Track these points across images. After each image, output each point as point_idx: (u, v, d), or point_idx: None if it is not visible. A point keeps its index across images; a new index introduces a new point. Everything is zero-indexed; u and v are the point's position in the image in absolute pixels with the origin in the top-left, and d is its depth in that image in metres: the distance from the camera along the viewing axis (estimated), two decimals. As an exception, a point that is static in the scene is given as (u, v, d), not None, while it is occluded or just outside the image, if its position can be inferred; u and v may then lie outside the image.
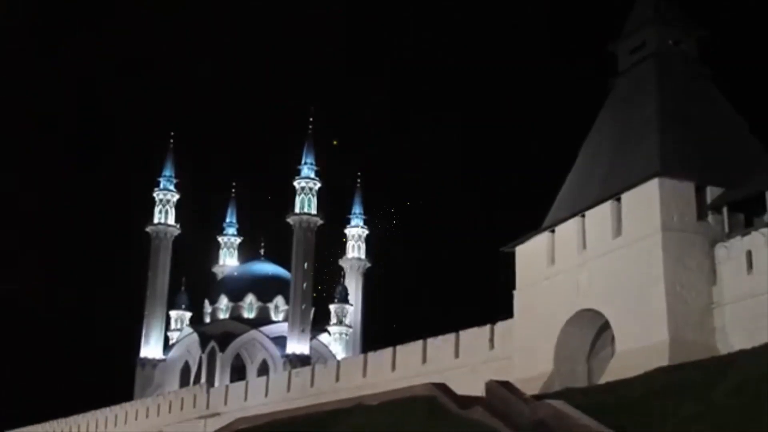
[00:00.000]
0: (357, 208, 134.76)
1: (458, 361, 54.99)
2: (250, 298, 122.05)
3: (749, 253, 40.97)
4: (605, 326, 45.14)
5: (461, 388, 43.40)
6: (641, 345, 40.98)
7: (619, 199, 44.06)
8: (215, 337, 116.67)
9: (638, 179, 43.02)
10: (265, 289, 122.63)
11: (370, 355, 63.33)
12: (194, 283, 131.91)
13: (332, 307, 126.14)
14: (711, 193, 43.06)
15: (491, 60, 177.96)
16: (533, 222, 50.37)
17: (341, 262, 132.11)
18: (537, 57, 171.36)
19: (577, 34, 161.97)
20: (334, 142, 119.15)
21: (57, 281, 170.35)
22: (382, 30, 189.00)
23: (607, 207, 44.55)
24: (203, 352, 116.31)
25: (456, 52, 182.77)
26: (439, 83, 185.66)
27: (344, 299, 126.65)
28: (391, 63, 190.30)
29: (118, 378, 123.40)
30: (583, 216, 46.12)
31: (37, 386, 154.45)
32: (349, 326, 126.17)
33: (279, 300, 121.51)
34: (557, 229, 47.91)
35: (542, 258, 48.53)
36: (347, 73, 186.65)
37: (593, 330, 46.55)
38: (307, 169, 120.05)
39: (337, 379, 64.18)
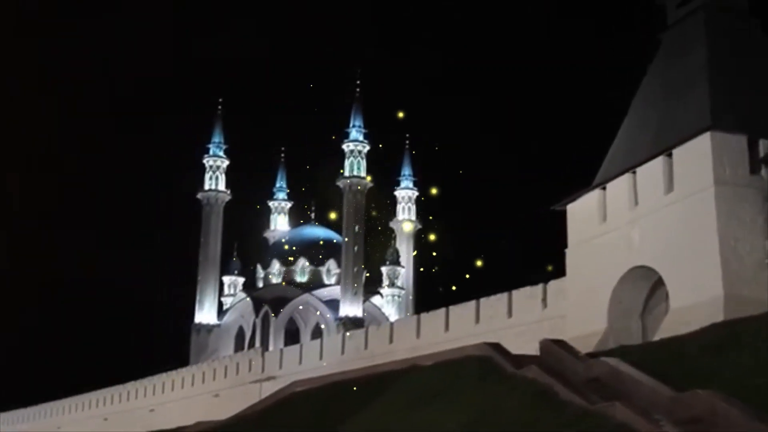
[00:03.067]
0: (406, 170, 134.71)
1: (511, 321, 54.92)
2: (302, 262, 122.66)
3: (803, 206, 40.59)
4: (659, 283, 44.86)
5: (515, 348, 43.45)
6: (695, 301, 40.70)
7: (670, 155, 43.65)
8: (268, 302, 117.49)
9: (689, 134, 42.59)
10: (317, 252, 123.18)
11: (423, 316, 63.36)
12: (246, 248, 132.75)
13: (384, 270, 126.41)
14: (763, 146, 42.50)
15: (539, 15, 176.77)
16: (584, 180, 50.09)
17: (392, 224, 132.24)
18: (586, 11, 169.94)
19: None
20: (400, 114, 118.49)
21: (111, 249, 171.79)
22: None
23: (658, 162, 44.16)
24: (257, 316, 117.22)
25: (503, 8, 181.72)
26: (486, 39, 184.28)
27: (396, 261, 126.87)
28: (438, 24, 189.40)
29: (173, 344, 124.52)
30: (634, 172, 45.76)
31: (94, 354, 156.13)
32: (402, 288, 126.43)
33: (331, 263, 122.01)
34: (608, 186, 47.58)
35: (594, 216, 48.25)
36: (395, 36, 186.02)
37: (647, 287, 46.30)
38: (356, 132, 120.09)
39: (391, 340, 64.31)
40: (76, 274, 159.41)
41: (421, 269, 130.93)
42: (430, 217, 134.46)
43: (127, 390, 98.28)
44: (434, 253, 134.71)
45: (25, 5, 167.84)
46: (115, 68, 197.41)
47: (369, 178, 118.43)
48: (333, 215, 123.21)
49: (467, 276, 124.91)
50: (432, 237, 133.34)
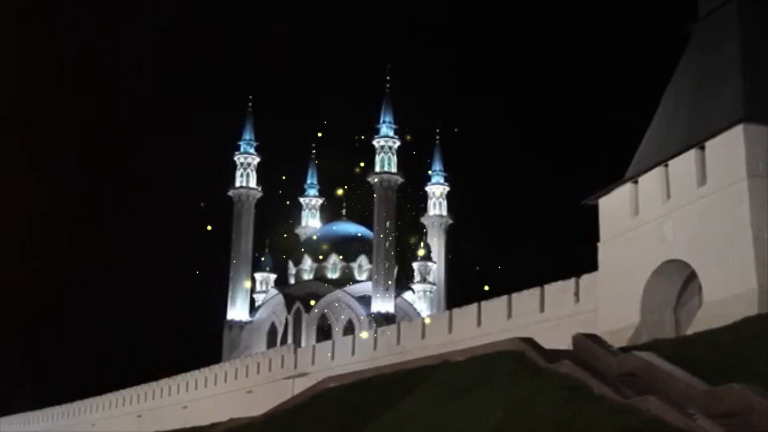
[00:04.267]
0: (437, 165, 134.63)
1: (543, 316, 54.83)
2: (333, 259, 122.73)
3: (837, 198, 40.23)
4: (692, 276, 44.64)
5: (547, 342, 43.32)
6: (729, 294, 40.45)
7: (703, 147, 43.38)
8: (300, 298, 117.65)
9: (722, 126, 42.32)
10: (348, 248, 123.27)
11: (455, 311, 63.32)
12: (278, 245, 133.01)
13: (415, 265, 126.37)
14: (797, 138, 42.20)
15: (571, 7, 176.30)
16: (616, 173, 49.87)
17: (423, 220, 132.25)
18: (616, 3, 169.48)
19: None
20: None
21: (143, 247, 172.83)
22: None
23: (690, 155, 43.90)
24: (289, 313, 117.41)
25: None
26: (515, 33, 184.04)
27: (427, 257, 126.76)
28: (467, 18, 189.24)
29: (206, 341, 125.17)
30: (667, 165, 45.52)
31: (127, 351, 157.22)
32: (433, 283, 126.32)
33: (362, 259, 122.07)
34: (640, 179, 47.36)
35: (626, 209, 48.03)
36: (424, 31, 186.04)
37: (680, 280, 46.07)
38: (386, 128, 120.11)
39: (423, 336, 64.31)
40: (110, 273, 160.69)
41: (454, 265, 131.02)
42: (461, 212, 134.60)
43: (160, 387, 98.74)
44: (465, 248, 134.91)
45: (59, 4, 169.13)
46: (146, 66, 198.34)
47: (400, 174, 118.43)
48: (364, 211, 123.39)
49: (499, 270, 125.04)
50: (463, 232, 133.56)
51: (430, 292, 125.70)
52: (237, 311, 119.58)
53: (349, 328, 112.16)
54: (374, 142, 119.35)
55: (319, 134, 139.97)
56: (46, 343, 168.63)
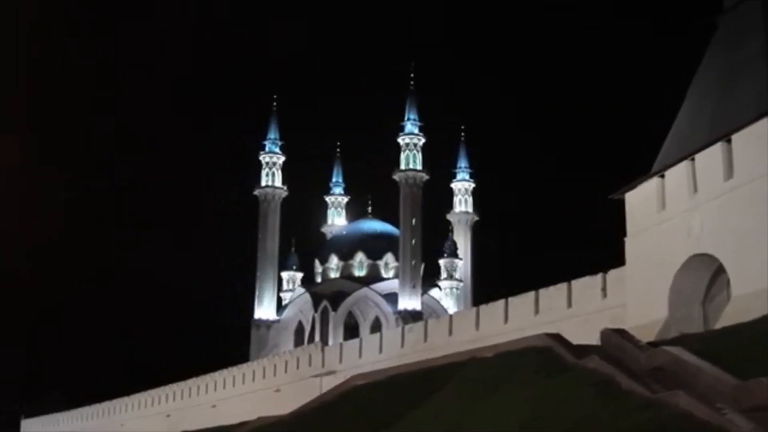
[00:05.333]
0: (462, 162, 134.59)
1: (571, 311, 54.71)
2: (359, 257, 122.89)
3: None
4: (720, 270, 44.44)
5: (575, 338, 43.23)
6: (757, 288, 40.20)
7: (729, 141, 43.18)
8: (327, 297, 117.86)
9: (748, 119, 42.09)
10: (375, 246, 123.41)
11: (482, 307, 63.29)
12: (304, 243, 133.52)
13: (442, 262, 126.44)
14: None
15: (596, 7, 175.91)
16: (642, 168, 49.72)
17: (449, 217, 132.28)
18: None
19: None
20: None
21: (171, 248, 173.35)
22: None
23: (717, 149, 43.70)
24: (316, 311, 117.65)
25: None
26: (540, 26, 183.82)
27: (453, 253, 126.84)
28: (491, 13, 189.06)
29: (233, 340, 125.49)
30: (693, 159, 45.34)
31: (156, 352, 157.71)
32: (460, 280, 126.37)
33: (389, 257, 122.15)
34: (667, 173, 47.19)
35: (653, 204, 47.86)
36: (447, 28, 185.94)
37: (708, 274, 45.86)
38: (411, 125, 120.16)
39: (450, 333, 64.29)
40: (139, 274, 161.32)
41: (480, 261, 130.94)
42: (487, 209, 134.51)
43: (189, 387, 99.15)
44: (492, 245, 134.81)
45: (85, 8, 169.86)
46: (171, 68, 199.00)
47: (425, 171, 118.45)
48: (390, 209, 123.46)
49: (525, 266, 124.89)
50: (489, 229, 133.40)
51: (457, 288, 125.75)
52: (264, 310, 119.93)
53: (376, 326, 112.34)
54: (399, 140, 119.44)
55: (344, 132, 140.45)
56: (76, 344, 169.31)
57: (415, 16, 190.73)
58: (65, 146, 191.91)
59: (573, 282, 55.40)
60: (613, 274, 52.30)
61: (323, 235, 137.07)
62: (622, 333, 40.48)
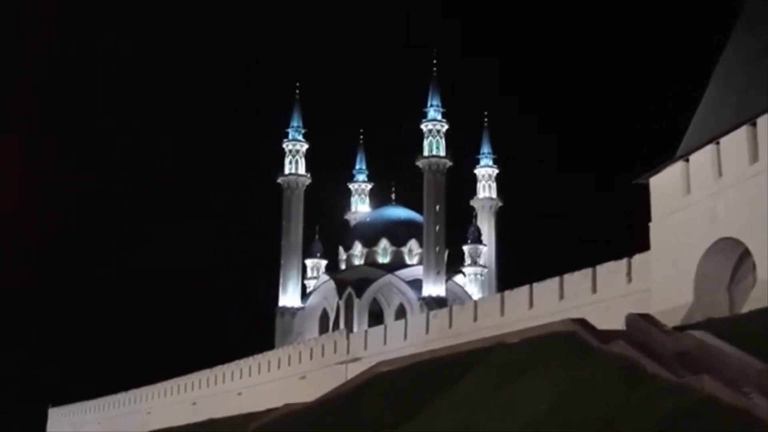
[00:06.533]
0: (486, 148, 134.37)
1: (596, 296, 54.56)
2: (383, 243, 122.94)
3: None
4: (745, 254, 44.24)
5: (600, 323, 43.18)
6: (784, 271, 40.09)
7: (754, 124, 42.94)
8: (351, 284, 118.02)
9: (773, 102, 41.85)
10: (398, 233, 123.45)
11: (507, 293, 63.19)
12: (328, 231, 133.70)
13: (466, 248, 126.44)
14: None
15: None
16: (666, 152, 49.51)
17: (472, 203, 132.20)
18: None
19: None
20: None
21: (196, 237, 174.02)
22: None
23: (742, 132, 43.45)
24: (340, 298, 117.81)
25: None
26: (562, 12, 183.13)
27: (477, 240, 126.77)
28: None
29: (258, 328, 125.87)
30: (718, 143, 45.10)
31: (182, 340, 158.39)
32: (484, 266, 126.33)
33: (413, 243, 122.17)
34: (691, 157, 46.96)
35: (677, 188, 47.64)
36: (470, 14, 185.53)
37: (733, 259, 45.64)
38: (434, 112, 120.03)
39: (475, 319, 64.25)
40: (164, 264, 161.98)
41: (504, 247, 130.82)
42: (511, 195, 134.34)
43: (214, 374, 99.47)
44: (516, 230, 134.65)
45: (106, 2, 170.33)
46: (192, 55, 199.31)
47: (448, 157, 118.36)
48: (413, 195, 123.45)
49: (550, 252, 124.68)
50: (513, 214, 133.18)
51: (481, 275, 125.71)
52: (289, 297, 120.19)
53: (401, 313, 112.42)
54: (422, 126, 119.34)
55: (367, 119, 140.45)
56: (103, 334, 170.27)
57: (438, 3, 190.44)
58: (84, 142, 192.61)
59: (598, 267, 55.24)
60: (638, 258, 52.12)
61: (347, 222, 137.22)
62: (647, 318, 40.40)
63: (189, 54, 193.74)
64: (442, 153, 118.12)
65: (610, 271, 54.29)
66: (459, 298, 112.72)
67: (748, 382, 29.27)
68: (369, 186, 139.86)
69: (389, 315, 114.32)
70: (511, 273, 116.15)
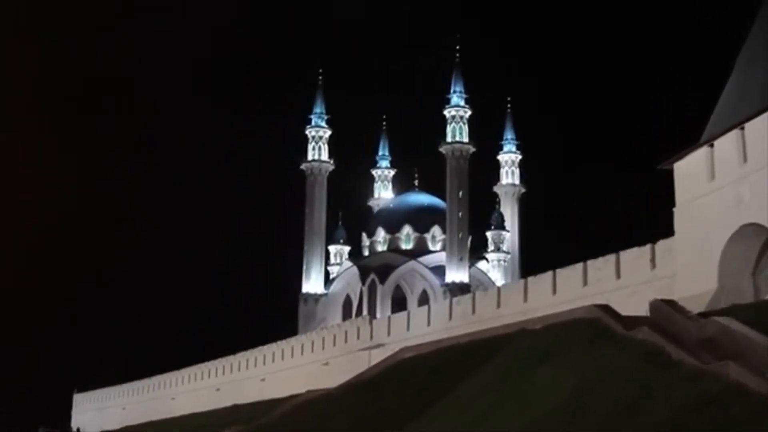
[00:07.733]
0: (509, 134, 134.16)
1: (619, 282, 54.31)
2: (406, 230, 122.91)
3: None
4: (770, 240, 44.04)
5: (624, 309, 43.04)
6: (809, 257, 39.87)
7: (779, 109, 42.69)
8: (375, 270, 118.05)
9: (799, 87, 41.59)
10: (421, 219, 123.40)
11: (530, 279, 63.00)
12: (351, 217, 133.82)
13: (489, 235, 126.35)
14: None
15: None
16: (691, 137, 49.25)
17: (496, 189, 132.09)
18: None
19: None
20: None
21: (219, 224, 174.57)
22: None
23: (766, 117, 43.24)
24: (363, 284, 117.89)
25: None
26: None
27: (501, 226, 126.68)
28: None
29: (282, 314, 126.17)
30: (743, 128, 44.83)
31: (205, 326, 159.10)
32: (507, 252, 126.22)
33: (436, 230, 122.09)
34: (716, 143, 46.70)
35: (702, 173, 47.39)
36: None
37: (758, 244, 45.40)
38: (457, 98, 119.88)
39: (498, 305, 64.12)
40: (190, 250, 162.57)
41: (528, 233, 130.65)
42: (534, 181, 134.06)
43: (238, 360, 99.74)
44: (539, 216, 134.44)
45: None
46: (217, 43, 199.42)
47: (471, 143, 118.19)
48: (436, 181, 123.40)
49: (573, 238, 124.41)
50: (537, 200, 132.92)
51: (504, 261, 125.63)
52: (312, 284, 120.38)
53: (424, 299, 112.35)
54: (445, 112, 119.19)
55: (390, 106, 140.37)
56: (128, 320, 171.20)
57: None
58: (110, 129, 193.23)
59: (621, 253, 54.99)
60: (661, 244, 51.87)
61: (370, 208, 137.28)
62: (671, 304, 40.29)
63: (209, 42, 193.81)
64: (465, 139, 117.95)
65: (634, 257, 54.05)
66: (482, 284, 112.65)
67: (773, 369, 29.16)
68: (392, 172, 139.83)
69: (412, 301, 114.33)
70: (534, 259, 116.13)
